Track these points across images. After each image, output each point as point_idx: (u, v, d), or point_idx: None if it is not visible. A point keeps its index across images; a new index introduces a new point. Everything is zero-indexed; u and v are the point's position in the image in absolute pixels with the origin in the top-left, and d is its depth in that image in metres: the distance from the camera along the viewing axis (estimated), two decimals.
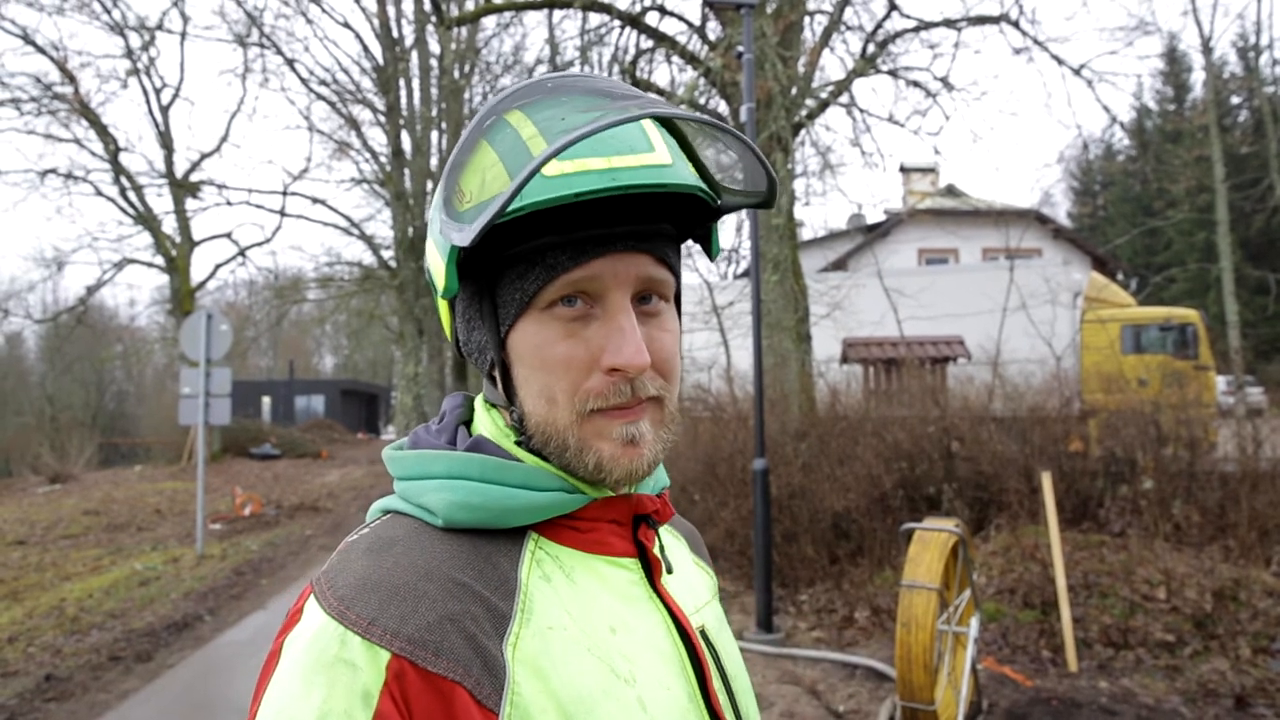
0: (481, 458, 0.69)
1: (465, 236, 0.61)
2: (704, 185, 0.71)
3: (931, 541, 4.13)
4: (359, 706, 0.57)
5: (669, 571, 0.76)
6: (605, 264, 0.67)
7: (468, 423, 0.78)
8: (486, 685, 0.60)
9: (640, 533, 0.74)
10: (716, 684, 0.74)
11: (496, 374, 0.72)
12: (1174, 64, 29.08)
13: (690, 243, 0.79)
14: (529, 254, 0.67)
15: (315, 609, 0.62)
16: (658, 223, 0.70)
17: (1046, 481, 5.70)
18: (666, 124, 0.71)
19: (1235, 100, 24.55)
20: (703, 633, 0.76)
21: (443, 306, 0.75)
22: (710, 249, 0.77)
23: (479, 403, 0.78)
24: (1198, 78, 28.61)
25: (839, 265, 20.88)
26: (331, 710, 0.57)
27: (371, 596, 0.61)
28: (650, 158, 0.65)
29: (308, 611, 0.63)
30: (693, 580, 0.84)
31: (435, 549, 0.66)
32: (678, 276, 0.74)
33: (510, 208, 0.62)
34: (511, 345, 0.70)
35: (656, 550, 0.76)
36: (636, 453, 0.69)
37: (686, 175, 0.69)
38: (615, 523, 0.73)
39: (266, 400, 34.47)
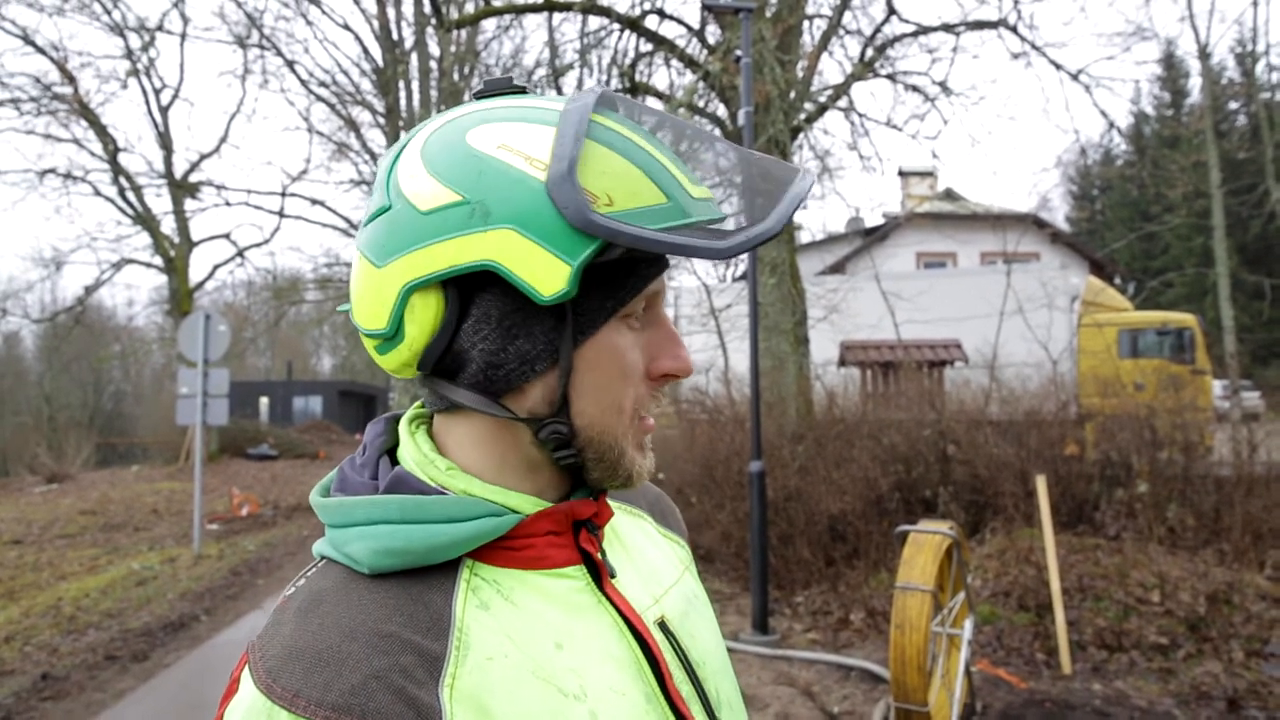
0: (400, 498, 0.67)
1: (728, 252, 0.63)
2: None
3: (925, 544, 4.15)
4: None
5: (612, 576, 0.74)
6: (664, 278, 0.71)
7: (394, 448, 0.75)
8: None
9: (581, 539, 0.73)
10: (678, 676, 0.73)
11: (528, 387, 0.68)
12: (1171, 69, 29.17)
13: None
14: (617, 264, 0.66)
15: (247, 680, 0.62)
16: None
17: (1042, 485, 5.72)
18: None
19: (1232, 106, 24.61)
20: (663, 624, 0.75)
21: (430, 309, 0.66)
22: None
23: (404, 426, 0.75)
24: (1195, 83, 28.71)
25: (837, 268, 20.94)
26: None
27: (296, 666, 0.60)
28: None
29: (243, 682, 0.63)
30: (655, 562, 0.83)
31: (362, 601, 0.64)
32: None
33: (673, 224, 0.64)
34: (582, 354, 0.67)
35: (600, 554, 0.74)
36: (648, 455, 0.73)
37: None
38: (553, 534, 0.71)
39: (264, 401, 34.43)
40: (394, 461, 0.74)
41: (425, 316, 0.66)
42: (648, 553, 0.83)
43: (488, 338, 0.66)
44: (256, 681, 0.61)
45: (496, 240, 0.63)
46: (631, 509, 0.88)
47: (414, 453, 0.72)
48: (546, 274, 0.62)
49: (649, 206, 0.63)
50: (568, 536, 0.72)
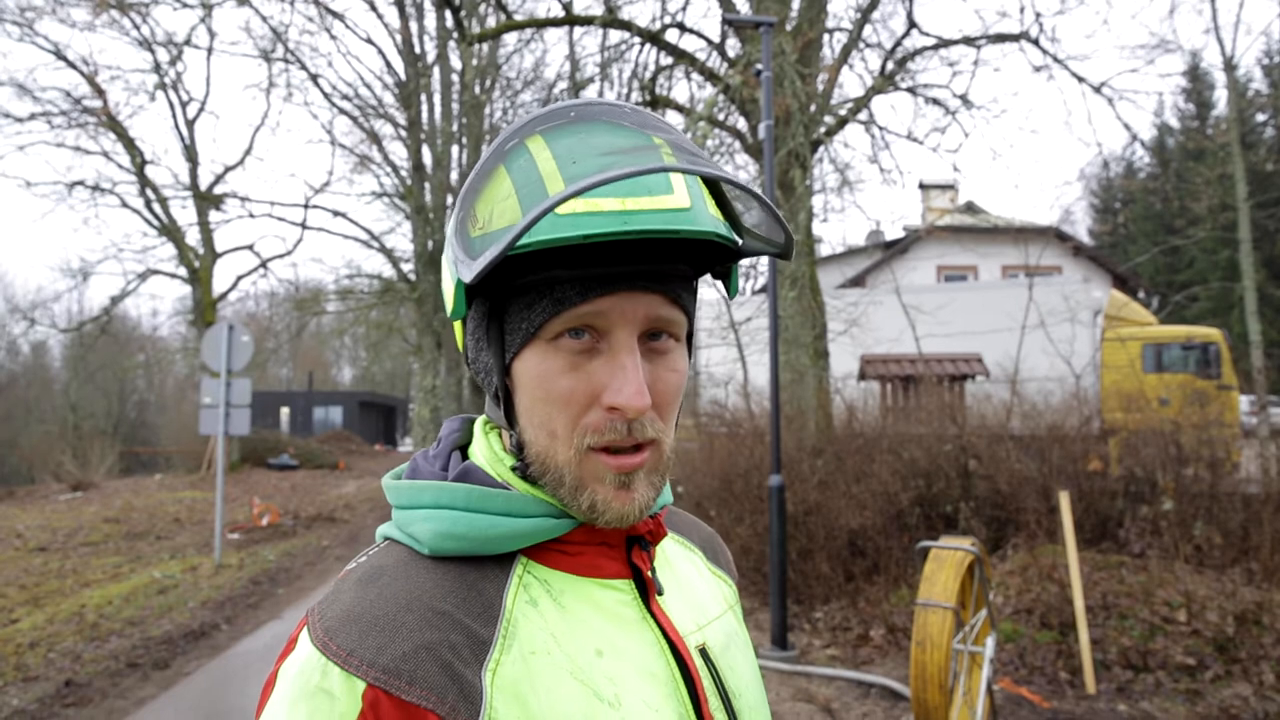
0: (466, 487, 0.70)
1: (469, 272, 0.61)
2: (721, 231, 0.69)
3: (947, 560, 4.11)
4: None
5: (660, 594, 0.75)
6: (613, 301, 0.66)
7: (465, 445, 0.79)
8: (462, 712, 0.61)
9: (634, 554, 0.74)
10: (714, 703, 0.73)
11: (500, 396, 0.72)
12: (1196, 81, 28.91)
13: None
14: (537, 285, 0.66)
15: (305, 639, 0.65)
16: (673, 262, 0.69)
17: (1065, 501, 5.65)
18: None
19: (1260, 118, 24.33)
20: (704, 651, 0.76)
21: (456, 324, 0.76)
22: (729, 287, 0.76)
23: (479, 425, 0.78)
24: (1220, 95, 28.42)
25: (857, 282, 20.86)
26: None
27: (353, 628, 0.63)
28: (668, 200, 0.64)
29: (300, 641, 0.66)
30: (701, 594, 0.83)
31: (420, 578, 0.67)
32: (690, 316, 0.72)
33: (520, 243, 0.62)
34: (516, 372, 0.70)
35: (650, 571, 0.75)
36: (628, 497, 0.69)
37: (704, 220, 0.66)
38: (606, 545, 0.73)
39: (285, 411, 34.72)
40: (464, 457, 0.78)
41: (456, 326, 0.77)
42: (695, 583, 0.84)
43: (470, 348, 0.75)
44: (314, 640, 0.64)
45: (444, 264, 0.72)
46: (684, 541, 0.89)
47: (485, 450, 0.75)
48: (448, 293, 0.70)
49: (505, 227, 0.63)
50: (620, 550, 0.74)
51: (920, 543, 4.43)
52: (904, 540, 7.03)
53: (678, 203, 0.65)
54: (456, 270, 0.64)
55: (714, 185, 0.71)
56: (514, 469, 0.72)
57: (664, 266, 0.68)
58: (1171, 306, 19.04)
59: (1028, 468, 7.24)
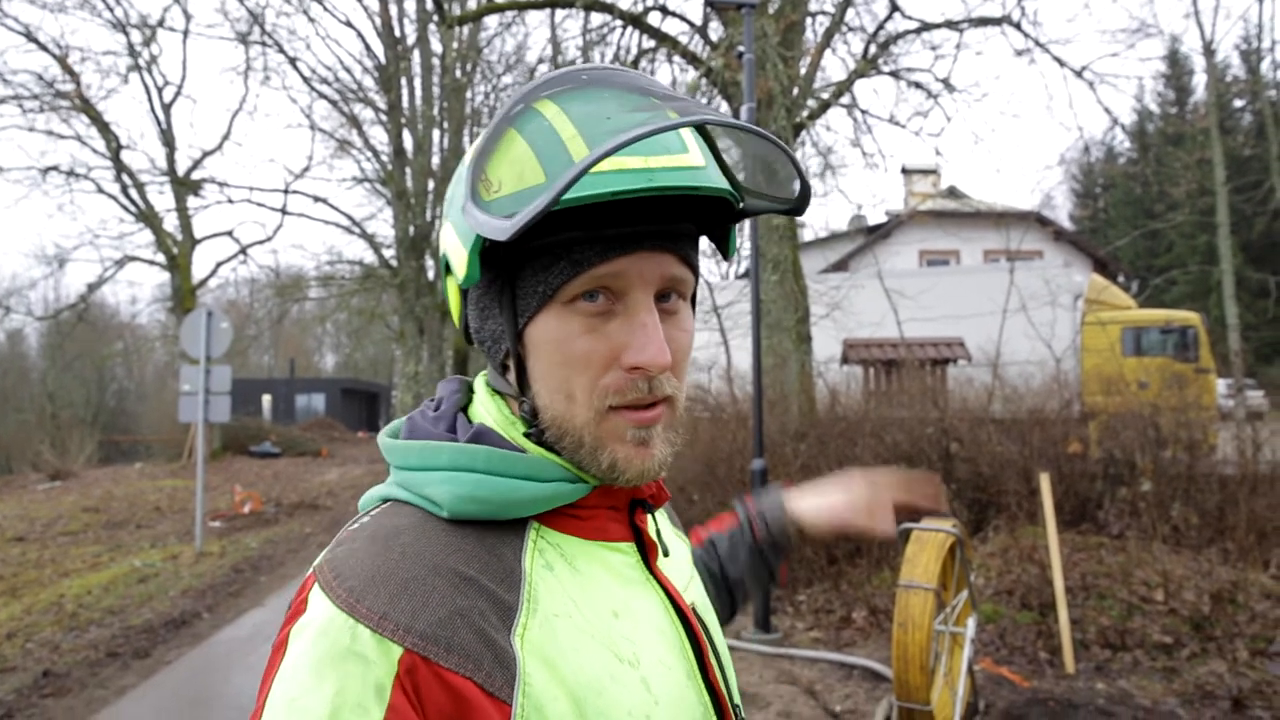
0: (486, 450, 0.69)
1: (506, 231, 0.59)
2: (731, 189, 0.71)
3: (929, 542, 4.13)
4: (372, 699, 0.57)
5: (665, 554, 0.78)
6: (631, 261, 0.66)
7: (465, 408, 0.77)
8: (498, 678, 0.60)
9: (636, 517, 0.76)
10: (714, 659, 0.76)
11: (510, 364, 0.72)
12: (1176, 66, 29.05)
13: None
14: (554, 247, 0.66)
15: (322, 600, 0.61)
16: (681, 222, 0.70)
17: (1045, 483, 5.70)
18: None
19: (1238, 103, 24.48)
20: (694, 610, 0.78)
21: (452, 292, 0.74)
22: (726, 249, 0.78)
23: (480, 388, 0.77)
24: (1199, 80, 28.59)
25: (840, 266, 20.90)
26: (345, 702, 0.57)
27: (381, 590, 0.60)
28: (685, 159, 0.65)
29: (313, 602, 0.62)
30: (681, 555, 0.85)
31: (441, 541, 0.65)
32: (697, 275, 0.73)
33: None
34: (529, 337, 0.69)
35: (652, 533, 0.77)
36: (648, 454, 0.69)
37: (717, 178, 0.68)
38: (613, 508, 0.74)
39: (267, 398, 34.47)
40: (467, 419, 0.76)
41: (452, 295, 0.76)
42: (675, 545, 0.86)
43: (474, 317, 0.73)
44: (335, 600, 0.60)
45: (445, 233, 0.71)
46: (664, 509, 0.91)
47: (495, 414, 0.74)
48: (459, 260, 0.68)
49: (529, 187, 0.62)
50: (624, 514, 0.75)
51: (902, 525, 4.45)
52: None
53: (694, 161, 0.66)
54: (479, 231, 0.62)
55: (714, 148, 0.73)
56: (527, 435, 0.71)
57: (676, 226, 0.69)
58: (1151, 290, 19.19)
59: (1009, 450, 7.30)
